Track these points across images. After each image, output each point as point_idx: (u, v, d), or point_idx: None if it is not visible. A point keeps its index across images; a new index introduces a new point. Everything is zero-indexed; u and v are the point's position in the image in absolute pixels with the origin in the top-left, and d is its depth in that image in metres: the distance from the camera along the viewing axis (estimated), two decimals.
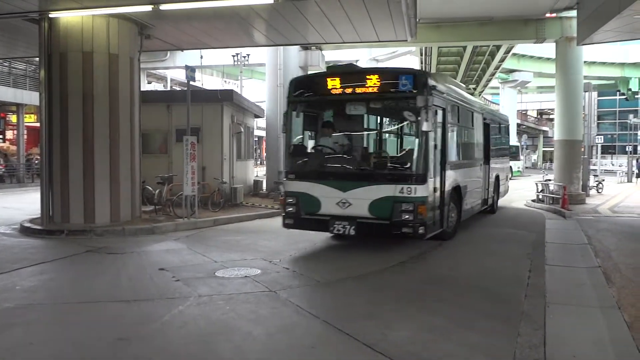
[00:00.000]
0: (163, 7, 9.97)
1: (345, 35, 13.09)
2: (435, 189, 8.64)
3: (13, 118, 30.40)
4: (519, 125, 59.04)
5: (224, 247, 9.05)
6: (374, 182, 8.23)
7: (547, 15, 17.99)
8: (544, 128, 76.63)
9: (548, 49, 31.29)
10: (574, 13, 16.96)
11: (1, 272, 7.12)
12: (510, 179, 18.14)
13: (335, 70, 9.44)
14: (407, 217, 7.96)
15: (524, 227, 11.76)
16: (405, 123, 9.55)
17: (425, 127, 7.96)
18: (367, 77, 8.51)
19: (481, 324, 5.05)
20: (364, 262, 7.88)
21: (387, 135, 11.06)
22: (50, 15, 10.72)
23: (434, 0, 15.92)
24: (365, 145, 10.18)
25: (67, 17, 10.71)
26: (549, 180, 18.07)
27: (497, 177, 14.10)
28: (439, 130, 8.99)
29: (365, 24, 12.01)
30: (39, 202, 11.21)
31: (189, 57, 26.89)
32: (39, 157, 31.17)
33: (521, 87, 48.82)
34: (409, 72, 8.57)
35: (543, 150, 74.52)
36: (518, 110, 56.51)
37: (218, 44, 14.55)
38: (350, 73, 9.02)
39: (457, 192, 9.98)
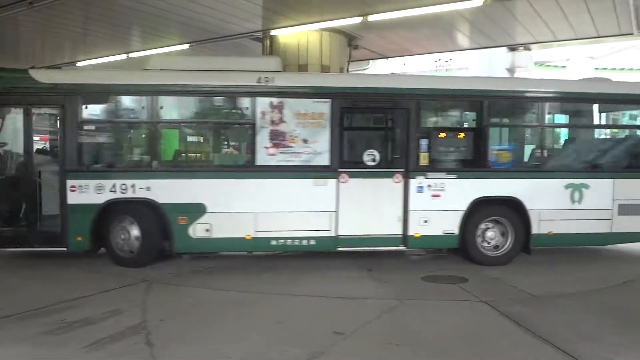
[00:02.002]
0: (371, 18, 10.42)
1: (559, 33, 12.24)
2: None
3: None
4: None
5: None
6: None
7: None
8: None
9: None
10: None
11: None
12: None
13: None
14: None
15: None
16: None
17: None
18: None
19: None
20: (578, 278, 7.21)
21: None
22: (271, 34, 11.90)
23: None
24: None
25: (285, 34, 11.77)
26: None
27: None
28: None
29: (583, 20, 11.10)
30: None
31: (392, 65, 27.44)
32: None
33: None
34: None
35: None
36: None
37: (421, 50, 14.70)
38: None
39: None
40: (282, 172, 7.48)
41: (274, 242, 7.52)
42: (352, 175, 7.56)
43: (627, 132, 9.06)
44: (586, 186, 7.85)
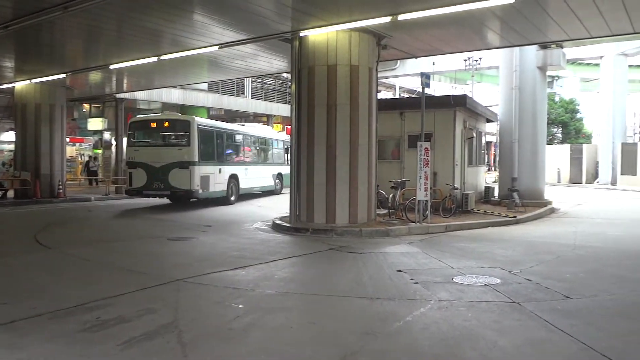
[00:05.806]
0: (401, 17, 10.33)
1: (594, 30, 11.95)
2: None
3: None
4: None
5: (458, 253, 8.95)
6: None
7: None
8: None
9: None
10: None
11: (262, 262, 8.14)
12: None
13: None
14: None
15: None
16: None
17: None
18: None
19: None
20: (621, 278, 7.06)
21: None
22: (300, 34, 11.90)
23: None
24: None
25: (315, 35, 11.75)
26: None
27: None
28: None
29: (619, 16, 10.83)
30: (286, 202, 12.49)
31: (420, 64, 27.26)
32: None
33: None
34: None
35: None
36: None
37: (451, 49, 14.51)
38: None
39: None
40: None
41: None
42: None
43: None
44: None
